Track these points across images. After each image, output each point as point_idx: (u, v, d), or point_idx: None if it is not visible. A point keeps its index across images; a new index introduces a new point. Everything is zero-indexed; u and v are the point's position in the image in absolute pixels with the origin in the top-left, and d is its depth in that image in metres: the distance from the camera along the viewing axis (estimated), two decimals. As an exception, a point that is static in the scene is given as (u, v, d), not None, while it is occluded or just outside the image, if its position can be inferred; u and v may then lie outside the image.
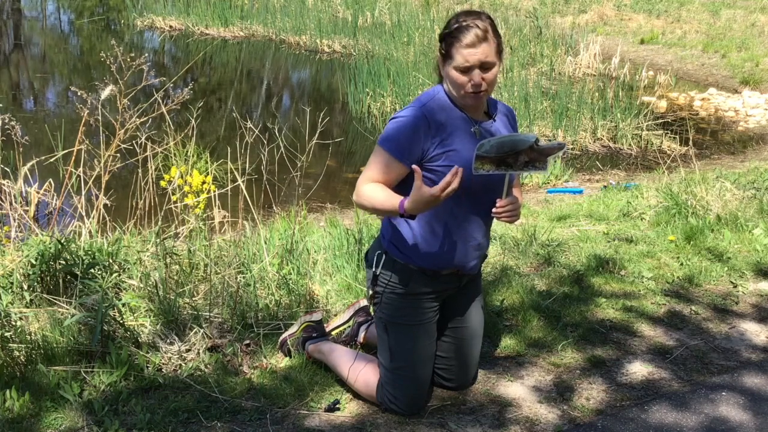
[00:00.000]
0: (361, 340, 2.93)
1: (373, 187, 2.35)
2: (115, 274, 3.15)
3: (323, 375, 2.77)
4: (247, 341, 2.93)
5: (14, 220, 3.73)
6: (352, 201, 2.44)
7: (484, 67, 2.27)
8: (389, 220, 2.50)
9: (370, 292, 2.54)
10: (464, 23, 2.26)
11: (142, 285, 3.11)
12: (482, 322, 2.71)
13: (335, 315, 3.21)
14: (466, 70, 2.26)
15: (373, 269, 2.52)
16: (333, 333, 2.97)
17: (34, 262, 3.02)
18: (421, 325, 2.52)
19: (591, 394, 2.79)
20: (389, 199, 2.29)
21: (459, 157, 2.32)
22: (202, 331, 2.88)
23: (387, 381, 2.53)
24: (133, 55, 3.66)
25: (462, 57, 2.25)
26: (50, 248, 3.05)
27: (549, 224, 4.71)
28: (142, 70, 3.68)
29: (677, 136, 8.61)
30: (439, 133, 2.32)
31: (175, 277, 3.24)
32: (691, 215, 4.69)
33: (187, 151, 4.76)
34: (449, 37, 2.28)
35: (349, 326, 2.96)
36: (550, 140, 1.93)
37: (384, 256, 2.50)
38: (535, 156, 2.27)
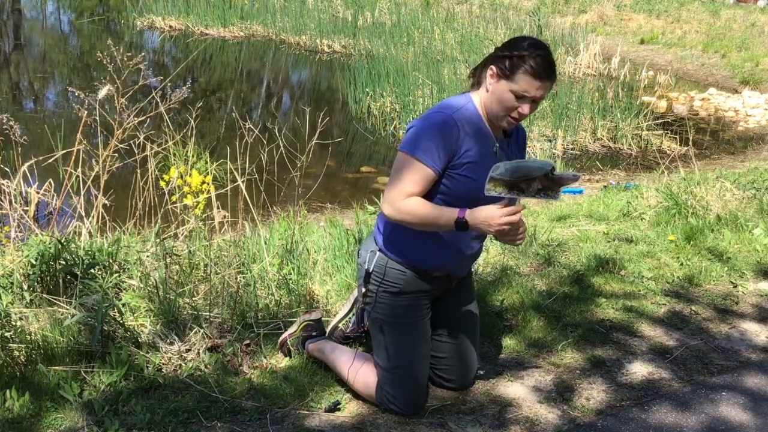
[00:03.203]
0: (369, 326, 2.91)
1: (417, 203, 2.30)
2: (115, 274, 3.15)
3: (323, 375, 2.76)
4: (247, 341, 2.92)
5: (14, 220, 3.73)
6: (387, 215, 2.34)
7: (536, 101, 2.28)
8: (388, 220, 2.49)
9: (363, 290, 2.54)
10: (539, 53, 2.23)
11: (142, 285, 3.11)
12: (477, 321, 2.72)
13: (335, 314, 3.21)
14: (521, 98, 2.26)
15: (366, 266, 2.52)
16: (340, 325, 2.97)
17: (34, 262, 3.02)
18: (415, 323, 2.53)
19: (591, 394, 2.79)
20: (444, 212, 2.27)
21: (477, 171, 2.32)
22: (202, 331, 2.88)
23: (385, 381, 2.53)
24: (130, 54, 3.66)
25: (526, 85, 2.24)
26: (50, 248, 3.05)
27: (549, 224, 4.71)
28: (141, 69, 3.68)
29: (677, 136, 8.62)
30: (466, 143, 2.31)
31: (175, 277, 3.23)
32: (691, 215, 4.69)
33: (187, 151, 4.76)
34: (519, 59, 2.23)
35: (354, 314, 2.96)
36: (567, 166, 1.95)
37: (377, 254, 2.50)
38: (548, 184, 2.24)
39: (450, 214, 2.26)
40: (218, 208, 3.75)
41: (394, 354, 2.52)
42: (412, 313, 2.52)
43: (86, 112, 3.59)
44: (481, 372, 2.78)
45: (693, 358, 3.11)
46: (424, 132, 2.30)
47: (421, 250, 2.44)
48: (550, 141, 8.19)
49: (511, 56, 2.25)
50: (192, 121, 4.08)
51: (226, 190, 3.74)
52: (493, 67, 2.30)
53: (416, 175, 2.29)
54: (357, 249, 2.67)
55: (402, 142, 2.35)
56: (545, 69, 2.23)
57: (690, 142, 7.93)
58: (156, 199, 3.65)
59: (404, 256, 2.46)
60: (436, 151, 2.28)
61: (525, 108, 2.28)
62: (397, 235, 2.46)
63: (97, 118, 3.64)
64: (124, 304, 2.96)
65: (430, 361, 2.63)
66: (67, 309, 2.86)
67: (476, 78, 2.42)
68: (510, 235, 2.25)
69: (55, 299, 2.92)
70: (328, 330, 2.95)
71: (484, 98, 2.35)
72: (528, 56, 2.23)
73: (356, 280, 3.43)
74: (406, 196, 2.31)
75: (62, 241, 3.13)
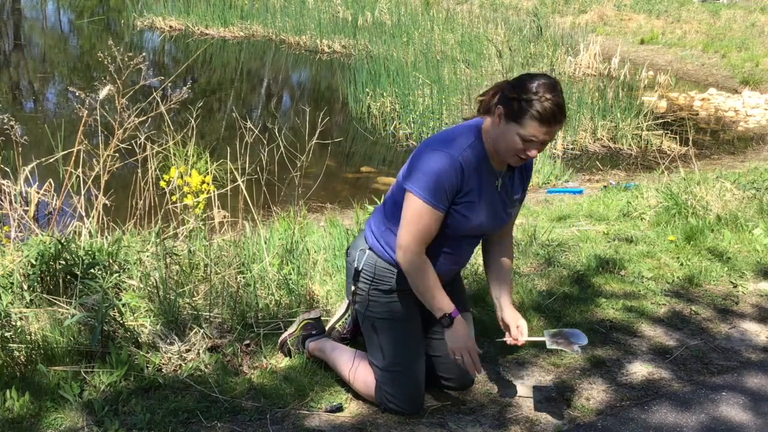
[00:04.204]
0: None
1: (429, 274, 2.38)
2: (115, 274, 3.15)
3: (323, 375, 2.76)
4: (247, 341, 2.92)
5: (14, 220, 3.73)
6: (399, 260, 2.37)
7: (544, 143, 2.27)
8: (383, 221, 2.51)
9: (352, 288, 2.55)
10: (546, 98, 2.19)
11: (142, 285, 3.11)
12: (471, 320, 2.73)
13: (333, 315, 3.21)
14: (528, 141, 2.25)
15: (355, 265, 2.53)
16: (337, 327, 2.97)
17: (34, 262, 3.02)
18: (408, 320, 2.53)
19: (591, 394, 2.79)
20: (441, 299, 2.39)
21: (473, 209, 2.36)
22: (202, 331, 2.88)
23: (383, 381, 2.53)
24: (131, 54, 3.66)
25: (534, 130, 2.21)
26: (50, 248, 3.05)
27: (549, 224, 4.71)
28: (142, 69, 3.68)
29: (677, 136, 8.62)
30: (470, 183, 2.33)
31: (175, 277, 3.23)
32: (691, 215, 4.69)
33: (187, 151, 4.76)
34: (527, 103, 2.20)
35: (349, 315, 2.96)
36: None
37: (367, 253, 2.51)
38: (562, 340, 2.53)
39: (445, 305, 2.38)
40: (218, 208, 3.75)
41: (390, 352, 2.52)
42: (404, 309, 2.53)
43: (87, 112, 3.59)
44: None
45: (693, 358, 3.11)
46: (434, 175, 2.28)
47: None
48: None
49: (520, 99, 2.21)
50: (192, 121, 4.08)
51: (226, 190, 3.74)
52: (501, 107, 2.27)
53: (431, 221, 2.32)
54: (346, 248, 2.67)
55: (411, 178, 2.32)
56: (554, 114, 2.20)
57: (690, 142, 7.92)
58: (156, 199, 3.65)
59: (389, 256, 2.48)
60: (445, 194, 2.30)
61: (533, 151, 2.27)
62: (390, 237, 2.47)
63: (98, 118, 3.65)
64: (124, 304, 2.96)
65: (428, 360, 2.63)
66: (67, 309, 2.87)
67: (484, 105, 2.40)
68: (460, 362, 2.43)
69: (55, 299, 2.92)
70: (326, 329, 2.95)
71: (491, 134, 2.33)
72: (537, 101, 2.18)
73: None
74: (424, 245, 2.36)
75: (62, 241, 3.13)
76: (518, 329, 2.54)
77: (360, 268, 2.51)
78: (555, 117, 2.20)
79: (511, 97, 2.23)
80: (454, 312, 2.39)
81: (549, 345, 2.53)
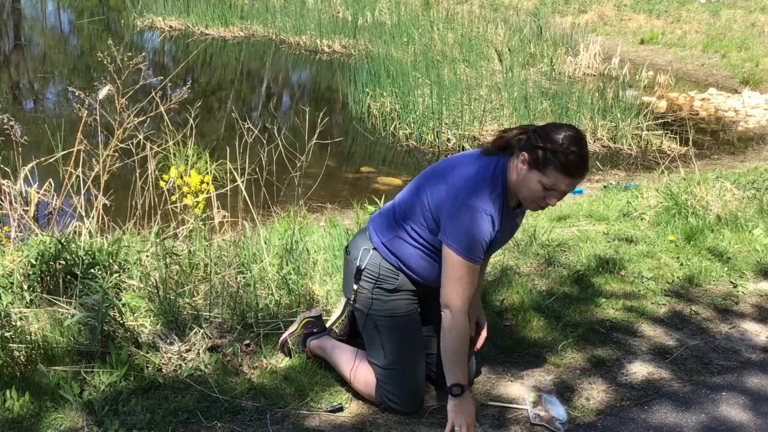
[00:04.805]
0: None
1: (467, 338, 2.41)
2: (115, 274, 3.15)
3: (323, 375, 2.77)
4: (247, 341, 2.92)
5: (14, 220, 3.73)
6: (450, 315, 2.38)
7: (565, 192, 2.31)
8: (391, 228, 2.50)
9: (354, 287, 2.54)
10: (572, 151, 2.22)
11: (142, 285, 3.11)
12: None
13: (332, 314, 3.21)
14: (549, 190, 2.28)
15: (357, 263, 2.52)
16: (334, 328, 2.97)
17: (34, 262, 3.02)
18: (409, 318, 2.54)
19: (591, 394, 2.79)
20: (463, 368, 2.41)
21: (494, 246, 2.45)
22: (202, 331, 2.88)
23: (384, 380, 2.53)
24: (130, 54, 3.66)
25: (556, 180, 2.25)
26: (50, 248, 3.05)
27: (549, 224, 4.71)
28: (141, 69, 3.68)
29: (677, 136, 8.62)
30: (498, 227, 2.38)
31: (175, 277, 3.23)
32: (691, 215, 4.69)
33: (187, 151, 4.77)
34: (552, 154, 2.23)
35: (346, 316, 2.96)
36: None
37: (371, 252, 2.51)
38: (545, 415, 2.57)
39: (461, 376, 2.40)
40: (218, 208, 3.75)
41: (391, 351, 2.53)
42: (407, 308, 2.54)
43: (86, 112, 3.60)
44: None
45: (693, 358, 3.11)
46: (472, 235, 2.32)
47: (415, 269, 2.48)
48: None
49: (545, 149, 2.24)
50: (192, 121, 4.08)
51: (226, 190, 3.74)
52: (525, 153, 2.29)
53: (474, 275, 2.38)
54: (346, 246, 2.67)
55: (449, 236, 2.32)
56: (577, 166, 2.24)
57: (690, 142, 7.92)
58: (156, 199, 3.65)
59: (396, 261, 2.49)
60: (482, 248, 2.35)
61: (552, 200, 2.30)
62: (398, 245, 2.48)
63: (98, 118, 3.64)
64: (124, 304, 2.96)
65: (429, 359, 2.63)
66: (67, 309, 2.87)
67: (504, 141, 2.40)
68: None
69: (55, 299, 2.92)
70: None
71: (514, 178, 2.35)
72: (561, 152, 2.22)
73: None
74: (468, 299, 2.39)
75: (62, 241, 3.13)
76: (478, 327, 2.72)
77: (363, 267, 2.51)
78: (578, 170, 2.25)
79: (537, 146, 2.26)
80: (466, 386, 2.41)
81: (532, 420, 2.57)
